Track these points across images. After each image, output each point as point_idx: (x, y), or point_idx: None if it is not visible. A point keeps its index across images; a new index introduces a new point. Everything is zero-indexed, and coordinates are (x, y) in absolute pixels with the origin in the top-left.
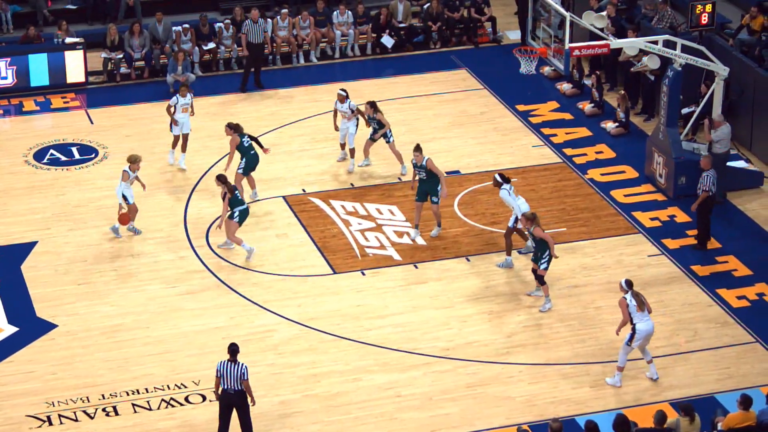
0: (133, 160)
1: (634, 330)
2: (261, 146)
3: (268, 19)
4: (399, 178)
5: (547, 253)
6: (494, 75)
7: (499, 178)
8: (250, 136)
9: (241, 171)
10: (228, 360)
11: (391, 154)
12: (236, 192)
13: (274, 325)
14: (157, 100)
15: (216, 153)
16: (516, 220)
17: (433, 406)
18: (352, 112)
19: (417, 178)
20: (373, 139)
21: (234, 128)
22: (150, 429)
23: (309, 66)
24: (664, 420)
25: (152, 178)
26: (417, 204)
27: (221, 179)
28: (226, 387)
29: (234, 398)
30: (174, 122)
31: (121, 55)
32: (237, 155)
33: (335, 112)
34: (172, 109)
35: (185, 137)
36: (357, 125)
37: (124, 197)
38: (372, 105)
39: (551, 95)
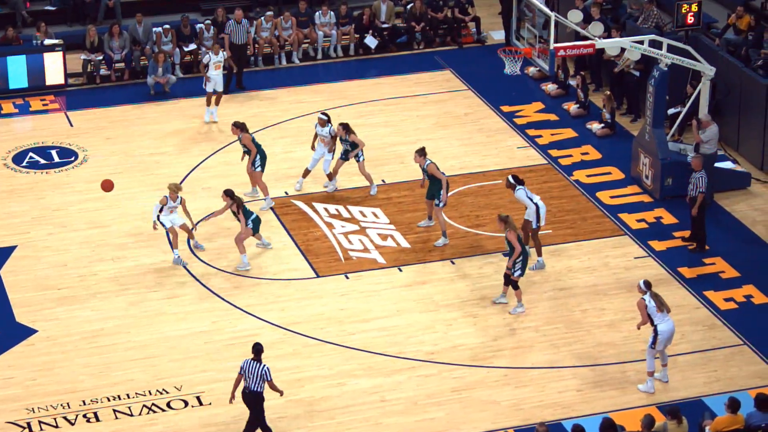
0: (173, 190)
1: (656, 332)
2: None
3: (253, 20)
4: (383, 180)
5: (520, 259)
6: (479, 76)
7: (512, 180)
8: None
9: (259, 169)
10: (252, 359)
11: (377, 155)
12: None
13: (256, 329)
14: (137, 102)
15: (197, 156)
16: (538, 218)
17: (419, 410)
18: (332, 137)
19: (425, 177)
20: (345, 159)
21: (241, 127)
22: None
23: (291, 67)
24: (652, 424)
25: (134, 181)
26: (427, 201)
27: (229, 194)
28: (246, 385)
29: (250, 397)
30: (207, 79)
31: (101, 57)
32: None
33: (315, 135)
34: (205, 68)
35: (219, 95)
36: (334, 152)
37: (159, 220)
38: (345, 127)
39: (536, 96)
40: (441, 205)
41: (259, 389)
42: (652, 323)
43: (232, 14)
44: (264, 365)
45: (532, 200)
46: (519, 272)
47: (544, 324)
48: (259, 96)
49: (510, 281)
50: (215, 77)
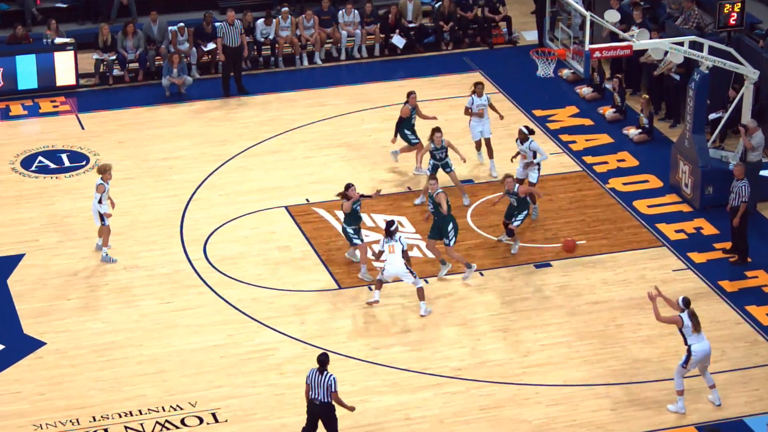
0: (104, 170)
1: (689, 352)
2: None
3: (272, 20)
4: (408, 188)
5: (525, 213)
6: (510, 78)
7: (525, 130)
8: None
9: None
10: (317, 369)
11: (394, 162)
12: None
13: (275, 343)
14: (151, 104)
15: (214, 161)
16: (538, 170)
17: (445, 429)
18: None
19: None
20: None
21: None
22: None
23: (313, 68)
24: None
25: (147, 188)
26: (429, 241)
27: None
28: (313, 396)
29: (319, 409)
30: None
31: (113, 57)
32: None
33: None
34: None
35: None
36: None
37: (101, 217)
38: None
39: (570, 99)
40: (452, 243)
41: (328, 400)
42: (685, 343)
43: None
44: (330, 375)
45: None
46: (518, 222)
47: (577, 339)
48: (278, 98)
49: (508, 230)
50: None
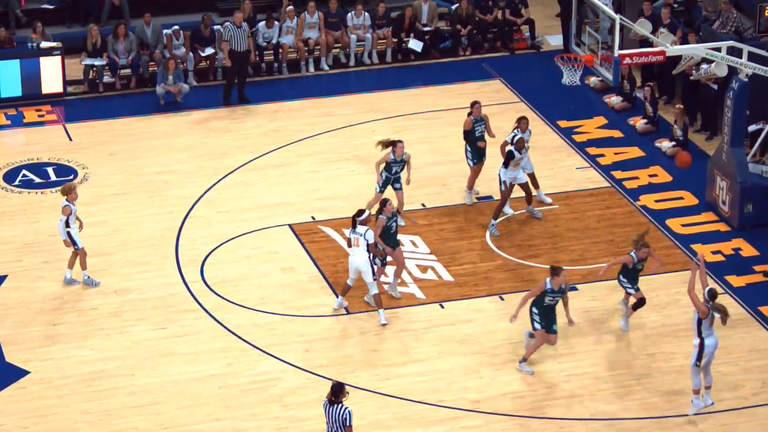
0: (69, 190)
1: (702, 347)
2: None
3: (274, 21)
4: (422, 204)
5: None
6: (533, 86)
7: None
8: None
9: (379, 190)
10: (329, 400)
11: (414, 176)
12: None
13: (278, 372)
14: (145, 113)
15: (213, 175)
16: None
17: None
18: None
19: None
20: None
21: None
22: None
23: (319, 75)
24: None
25: (139, 203)
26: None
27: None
28: (329, 430)
29: None
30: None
31: (104, 62)
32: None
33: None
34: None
35: None
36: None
37: (71, 238)
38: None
39: (598, 109)
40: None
41: None
42: (699, 335)
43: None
44: (345, 408)
45: None
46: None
47: (605, 369)
48: (282, 108)
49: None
50: None
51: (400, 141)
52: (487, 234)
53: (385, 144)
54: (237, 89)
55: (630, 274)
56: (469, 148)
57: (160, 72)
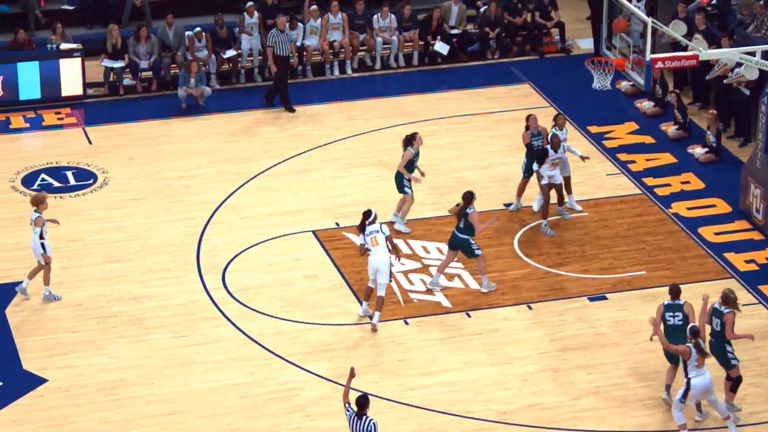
0: (40, 200)
1: (688, 385)
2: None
3: (299, 24)
4: (449, 211)
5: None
6: (562, 90)
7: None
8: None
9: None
10: (355, 413)
11: (442, 181)
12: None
13: (300, 382)
14: (166, 116)
15: (235, 180)
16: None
17: None
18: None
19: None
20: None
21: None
22: None
23: (344, 78)
24: None
25: (159, 209)
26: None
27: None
28: None
29: None
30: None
31: (123, 63)
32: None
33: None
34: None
35: None
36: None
37: (44, 250)
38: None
39: (629, 115)
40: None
41: None
42: (686, 375)
43: (275, 20)
44: (371, 421)
45: None
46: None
47: (636, 381)
48: (305, 112)
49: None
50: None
51: (416, 132)
52: (515, 241)
53: (405, 142)
54: (268, 91)
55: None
56: (525, 161)
57: (182, 75)
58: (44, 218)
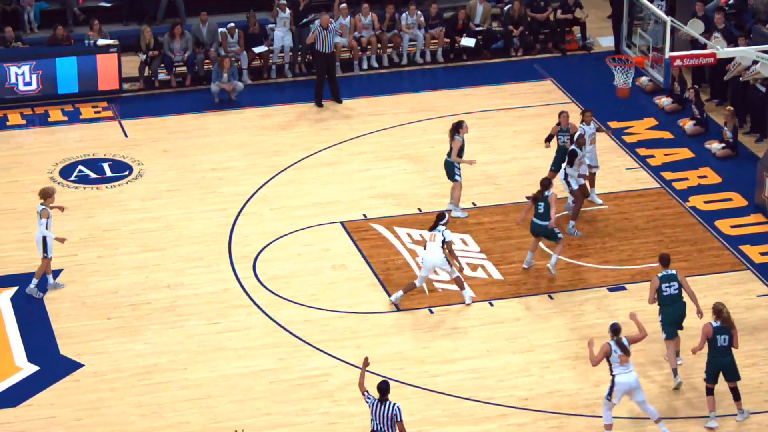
0: (49, 193)
1: (613, 383)
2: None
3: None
4: (473, 203)
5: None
6: (583, 87)
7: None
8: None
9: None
10: (378, 399)
11: (467, 174)
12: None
13: (328, 368)
14: (199, 110)
15: (265, 172)
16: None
17: None
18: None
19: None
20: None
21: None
22: None
23: (372, 74)
24: None
25: (193, 200)
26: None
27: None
28: (375, 429)
29: None
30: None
31: (158, 57)
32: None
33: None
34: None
35: None
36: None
37: (45, 243)
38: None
39: (648, 111)
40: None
41: (393, 430)
42: (611, 373)
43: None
44: (394, 404)
45: None
46: (705, 376)
47: (654, 368)
48: (333, 107)
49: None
50: None
51: (462, 120)
52: None
53: (453, 131)
54: (330, 90)
55: None
56: (556, 155)
57: (214, 70)
58: (49, 211)
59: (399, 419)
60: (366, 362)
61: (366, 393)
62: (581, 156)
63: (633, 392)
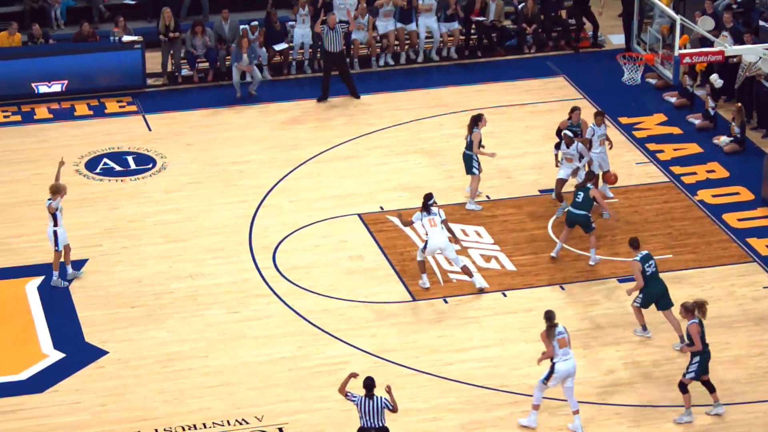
0: (58, 190)
1: (552, 369)
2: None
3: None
4: (487, 196)
5: (697, 360)
6: (595, 83)
7: (571, 134)
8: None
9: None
10: (365, 396)
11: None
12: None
13: (346, 356)
14: (221, 105)
15: (285, 166)
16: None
17: None
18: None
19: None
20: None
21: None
22: None
23: (388, 70)
24: None
25: (215, 192)
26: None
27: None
28: (365, 425)
29: None
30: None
31: (178, 37)
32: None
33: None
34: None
35: None
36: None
37: (56, 238)
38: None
39: (658, 107)
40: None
41: (382, 423)
42: (551, 359)
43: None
44: (380, 398)
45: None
46: (692, 375)
47: (662, 358)
48: (351, 101)
49: (681, 385)
50: None
51: (481, 114)
52: (549, 225)
53: (472, 124)
54: (348, 87)
55: None
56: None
57: (234, 52)
58: (54, 206)
59: (390, 407)
60: (353, 375)
61: (349, 393)
62: (566, 152)
63: (568, 378)
